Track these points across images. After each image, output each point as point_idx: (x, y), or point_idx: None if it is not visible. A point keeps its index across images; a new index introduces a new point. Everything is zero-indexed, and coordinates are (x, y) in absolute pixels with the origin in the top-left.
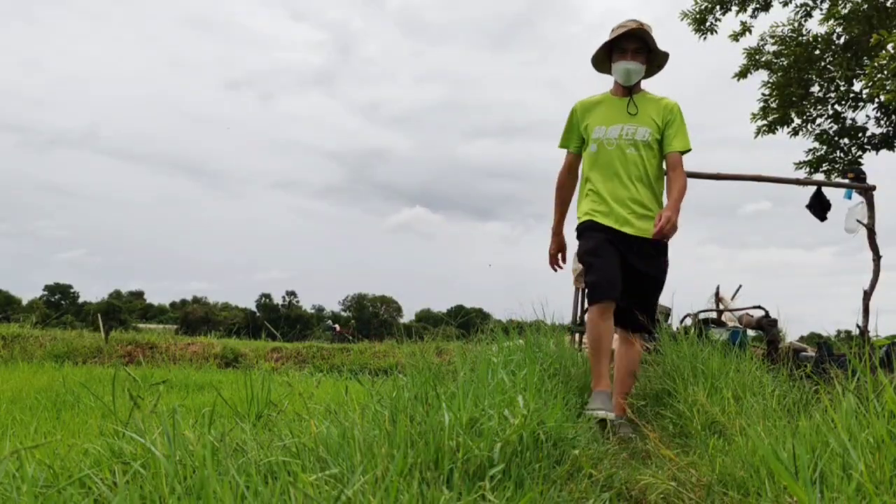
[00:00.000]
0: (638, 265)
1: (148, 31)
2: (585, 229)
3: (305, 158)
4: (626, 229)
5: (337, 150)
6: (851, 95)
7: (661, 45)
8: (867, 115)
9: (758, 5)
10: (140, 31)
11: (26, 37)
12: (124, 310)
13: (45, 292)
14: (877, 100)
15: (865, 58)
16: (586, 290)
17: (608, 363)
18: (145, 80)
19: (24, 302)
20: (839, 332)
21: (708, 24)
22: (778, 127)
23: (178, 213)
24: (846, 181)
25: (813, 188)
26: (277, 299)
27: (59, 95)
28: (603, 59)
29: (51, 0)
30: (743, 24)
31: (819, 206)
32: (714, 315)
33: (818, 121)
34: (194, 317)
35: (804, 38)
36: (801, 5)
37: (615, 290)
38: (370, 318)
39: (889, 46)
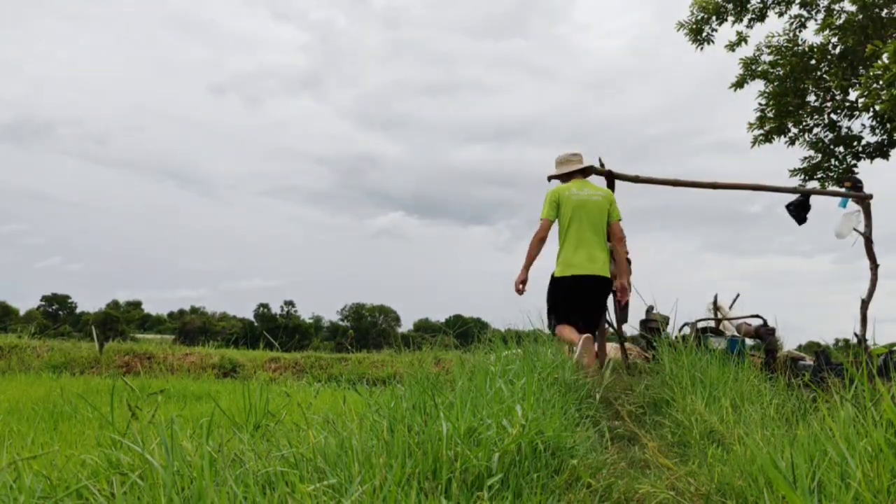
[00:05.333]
0: None
1: (128, 34)
2: None
3: (295, 164)
4: None
5: (326, 155)
6: (847, 105)
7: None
8: (862, 124)
9: (753, 16)
10: (121, 34)
11: (4, 39)
12: (122, 320)
13: (43, 302)
14: (872, 109)
15: (861, 68)
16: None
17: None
18: (129, 84)
19: (22, 312)
20: (837, 340)
21: (704, 34)
22: (775, 136)
23: (172, 222)
24: (843, 190)
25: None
26: (275, 309)
27: (43, 101)
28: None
29: (28, 1)
30: (739, 34)
31: (800, 209)
32: (712, 324)
33: (814, 130)
34: (192, 327)
35: (800, 48)
36: (797, 16)
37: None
38: (368, 328)
39: (884, 56)
